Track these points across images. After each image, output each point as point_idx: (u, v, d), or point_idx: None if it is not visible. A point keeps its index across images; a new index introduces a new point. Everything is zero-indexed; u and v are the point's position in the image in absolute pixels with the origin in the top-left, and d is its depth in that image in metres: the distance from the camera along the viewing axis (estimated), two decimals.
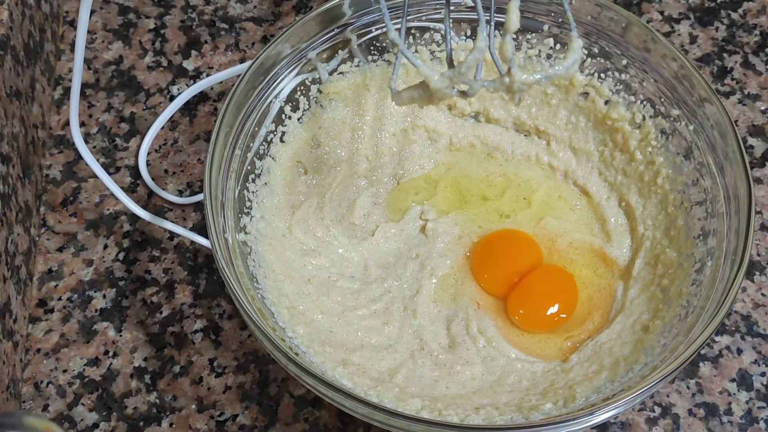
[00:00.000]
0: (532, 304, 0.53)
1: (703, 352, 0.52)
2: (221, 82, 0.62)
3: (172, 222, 0.56)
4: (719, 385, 0.52)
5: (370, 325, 0.52)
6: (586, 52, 0.54)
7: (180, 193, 0.58)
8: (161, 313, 0.54)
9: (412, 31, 0.55)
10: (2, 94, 0.52)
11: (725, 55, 0.64)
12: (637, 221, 0.54)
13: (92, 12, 0.65)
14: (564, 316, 0.52)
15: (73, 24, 0.65)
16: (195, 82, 0.62)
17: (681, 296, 0.48)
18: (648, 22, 0.65)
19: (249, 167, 0.52)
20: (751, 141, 0.60)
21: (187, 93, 0.61)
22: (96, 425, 0.51)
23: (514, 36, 0.48)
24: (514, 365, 0.50)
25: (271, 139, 0.53)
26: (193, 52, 0.64)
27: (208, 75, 0.62)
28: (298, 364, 0.43)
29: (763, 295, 0.55)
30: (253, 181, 0.52)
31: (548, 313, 0.52)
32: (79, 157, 0.59)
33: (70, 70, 0.62)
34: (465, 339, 0.51)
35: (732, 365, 0.52)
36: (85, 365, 0.52)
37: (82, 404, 0.51)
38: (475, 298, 0.53)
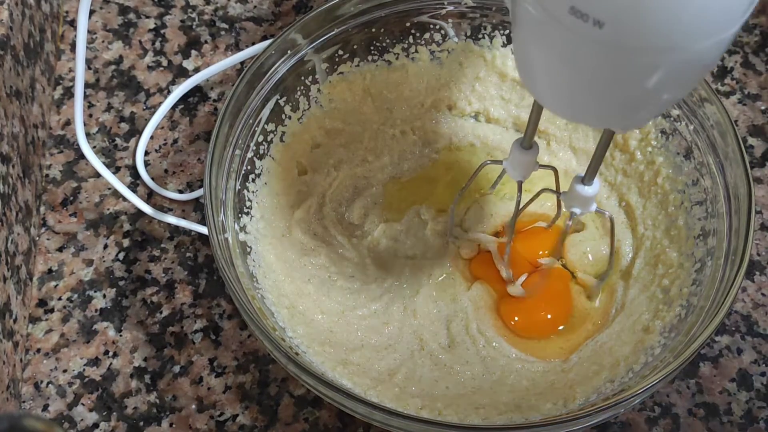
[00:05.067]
0: (526, 312, 0.53)
1: (703, 352, 0.52)
2: (221, 82, 0.62)
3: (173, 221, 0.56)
4: (719, 385, 0.52)
5: (370, 325, 0.52)
6: None
7: (180, 193, 0.58)
8: (161, 313, 0.54)
9: (412, 31, 0.55)
10: (2, 94, 0.52)
11: (725, 55, 0.64)
12: (637, 221, 0.54)
13: (92, 12, 0.65)
14: (560, 326, 0.52)
15: (73, 24, 0.65)
16: (196, 83, 0.62)
17: (681, 296, 0.48)
18: None
19: (249, 167, 0.52)
20: (751, 141, 0.60)
21: (180, 89, 0.61)
22: (96, 425, 0.51)
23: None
24: (514, 365, 0.50)
25: (271, 139, 0.53)
26: (193, 52, 0.64)
27: (210, 76, 0.62)
28: (298, 364, 0.43)
29: (763, 295, 0.55)
30: (253, 180, 0.52)
31: (542, 321, 0.52)
32: (79, 157, 0.59)
33: (70, 70, 0.63)
34: (465, 339, 0.51)
35: (732, 365, 0.52)
36: (85, 365, 0.52)
37: (82, 404, 0.51)
38: (474, 298, 0.53)
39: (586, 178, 0.45)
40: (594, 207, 0.46)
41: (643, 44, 0.31)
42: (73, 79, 0.62)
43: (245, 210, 0.51)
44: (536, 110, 0.43)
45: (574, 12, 0.30)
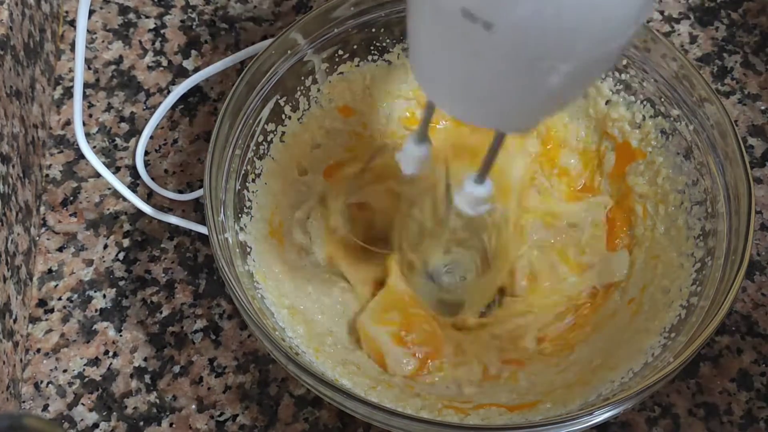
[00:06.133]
0: None
1: (703, 352, 0.52)
2: (221, 82, 0.62)
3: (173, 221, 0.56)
4: (719, 385, 0.52)
5: None
6: None
7: (180, 193, 0.58)
8: (161, 313, 0.54)
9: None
10: (2, 94, 0.52)
11: (725, 55, 0.64)
12: (637, 221, 0.54)
13: (92, 12, 0.65)
14: None
15: (73, 24, 0.65)
16: (195, 83, 0.62)
17: (681, 296, 0.48)
18: (648, 22, 0.65)
19: (249, 167, 0.52)
20: (751, 141, 0.60)
21: (179, 89, 0.61)
22: (96, 425, 0.51)
23: None
24: (513, 365, 0.50)
25: (271, 139, 0.53)
26: (193, 52, 0.64)
27: (210, 75, 0.62)
28: (298, 364, 0.43)
29: (763, 295, 0.55)
30: (253, 180, 0.52)
31: None
32: (79, 157, 0.59)
33: (70, 70, 0.63)
34: None
35: (732, 365, 0.52)
36: (85, 365, 0.52)
37: (82, 404, 0.51)
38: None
39: (478, 178, 0.42)
40: (485, 208, 0.44)
41: (533, 50, 0.30)
42: (73, 79, 0.62)
43: (245, 210, 0.51)
44: (430, 104, 0.42)
45: (464, 13, 0.30)
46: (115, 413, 0.51)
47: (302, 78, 0.54)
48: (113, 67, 0.63)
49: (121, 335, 0.53)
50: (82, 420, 0.51)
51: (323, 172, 0.55)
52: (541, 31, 0.29)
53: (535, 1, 0.28)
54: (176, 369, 0.52)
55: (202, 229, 0.56)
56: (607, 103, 0.55)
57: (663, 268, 0.50)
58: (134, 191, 0.58)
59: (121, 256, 0.56)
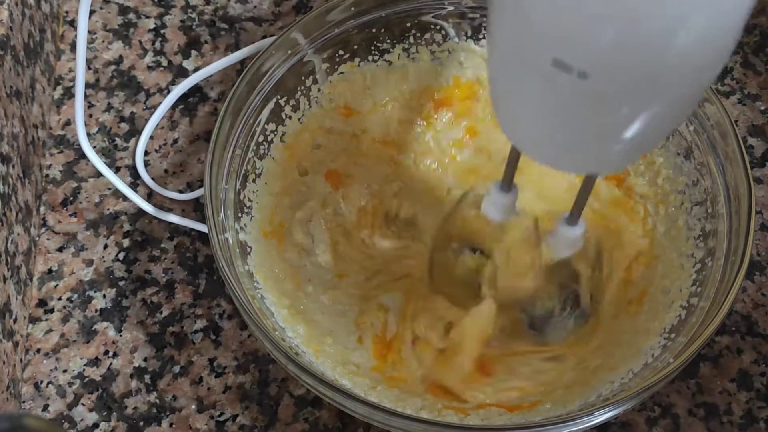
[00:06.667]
0: None
1: (703, 352, 0.52)
2: (221, 82, 0.62)
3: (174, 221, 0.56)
4: (719, 385, 0.52)
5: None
6: None
7: (180, 193, 0.58)
8: (161, 313, 0.54)
9: (413, 31, 0.55)
10: (2, 94, 0.52)
11: None
12: (637, 222, 0.54)
13: (92, 12, 0.65)
14: None
15: (73, 24, 0.65)
16: (195, 83, 0.62)
17: (681, 297, 0.48)
18: None
19: (249, 167, 0.52)
20: (751, 141, 0.60)
21: (179, 89, 0.61)
22: (96, 425, 0.51)
23: None
24: (513, 366, 0.50)
25: (272, 139, 0.53)
26: (193, 52, 0.64)
27: (210, 75, 0.62)
28: (298, 364, 0.43)
29: (763, 295, 0.55)
30: (254, 181, 0.52)
31: None
32: (79, 157, 0.59)
33: (70, 70, 0.63)
34: None
35: (732, 365, 0.52)
36: (85, 365, 0.52)
37: (82, 404, 0.51)
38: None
39: (571, 219, 0.44)
40: (581, 244, 0.46)
41: (628, 94, 0.30)
42: (73, 79, 0.62)
43: (245, 210, 0.51)
44: (515, 152, 0.42)
45: (556, 64, 0.29)
46: (115, 413, 0.51)
47: (302, 78, 0.54)
48: (113, 67, 0.63)
49: (121, 335, 0.53)
50: (82, 420, 0.51)
51: (324, 175, 0.55)
52: (640, 75, 0.29)
53: (644, 48, 0.28)
54: (176, 369, 0.52)
55: (203, 228, 0.56)
56: None
57: (663, 268, 0.50)
58: (134, 191, 0.58)
59: (121, 256, 0.56)
